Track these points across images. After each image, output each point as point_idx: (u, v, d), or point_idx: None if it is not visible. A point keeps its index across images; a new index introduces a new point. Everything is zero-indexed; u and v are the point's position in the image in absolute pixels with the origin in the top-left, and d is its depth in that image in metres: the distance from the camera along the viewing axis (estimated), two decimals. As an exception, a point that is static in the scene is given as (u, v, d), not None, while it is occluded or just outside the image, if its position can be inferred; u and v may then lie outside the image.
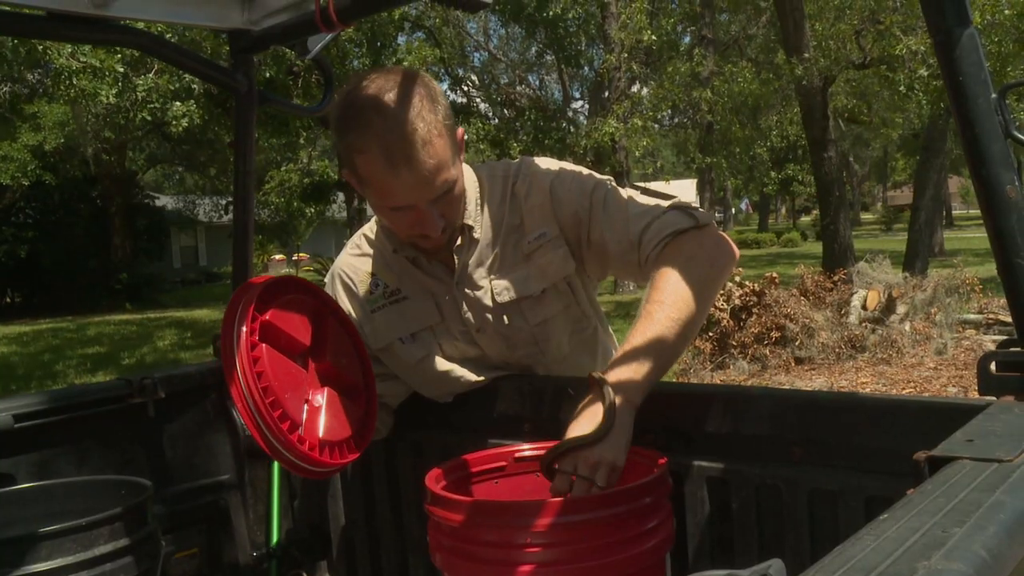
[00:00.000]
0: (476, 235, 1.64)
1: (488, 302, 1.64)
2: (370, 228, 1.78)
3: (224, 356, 1.44)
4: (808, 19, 13.18)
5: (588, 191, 1.59)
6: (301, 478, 2.09)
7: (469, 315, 1.66)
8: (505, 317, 1.65)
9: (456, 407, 1.77)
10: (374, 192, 1.49)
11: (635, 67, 15.91)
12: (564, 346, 1.70)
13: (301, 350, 1.53)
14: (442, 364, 1.70)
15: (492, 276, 1.64)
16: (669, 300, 1.38)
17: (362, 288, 1.74)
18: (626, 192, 1.60)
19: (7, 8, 1.68)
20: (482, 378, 1.71)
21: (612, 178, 1.65)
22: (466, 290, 1.65)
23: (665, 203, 1.54)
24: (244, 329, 1.43)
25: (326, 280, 1.83)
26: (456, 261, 1.64)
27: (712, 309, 8.36)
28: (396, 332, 1.70)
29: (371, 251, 1.75)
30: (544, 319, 1.65)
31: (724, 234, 1.52)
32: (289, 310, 1.52)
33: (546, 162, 1.68)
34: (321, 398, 1.52)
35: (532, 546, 1.18)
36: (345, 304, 1.73)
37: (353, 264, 1.77)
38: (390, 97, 1.43)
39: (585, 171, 1.65)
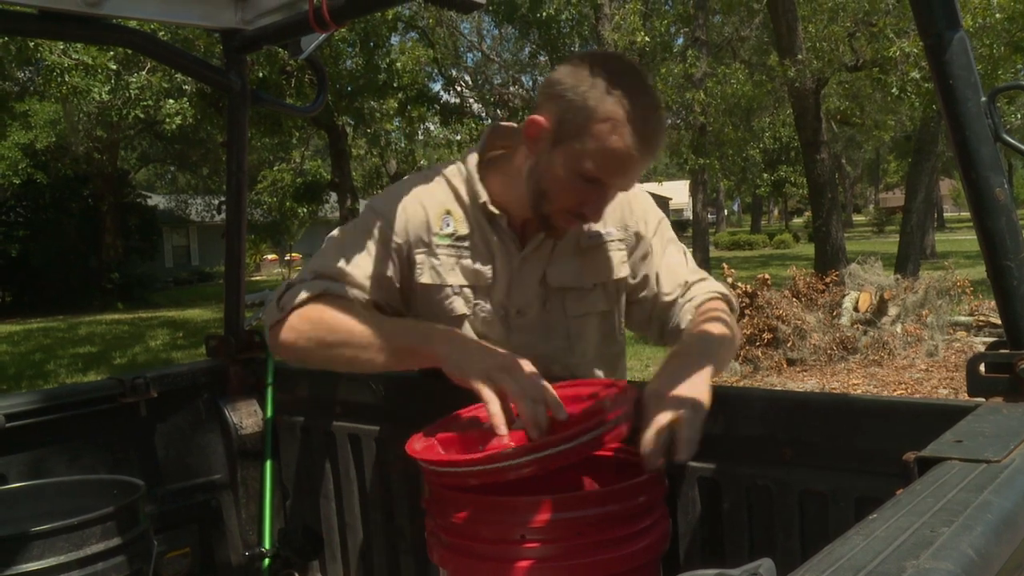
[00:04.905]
0: None
1: (537, 284, 1.63)
2: (459, 170, 1.68)
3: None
4: (801, 21, 13.20)
5: (656, 222, 1.70)
6: (294, 478, 2.09)
7: (517, 292, 1.63)
8: (547, 303, 1.64)
9: (450, 407, 1.77)
10: (582, 155, 1.43)
11: (628, 68, 15.89)
12: (590, 351, 1.69)
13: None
14: (467, 332, 1.63)
15: (548, 261, 1.64)
16: (716, 334, 1.50)
17: (435, 219, 1.65)
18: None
19: None
20: None
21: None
22: (525, 266, 1.63)
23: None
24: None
25: (379, 206, 1.68)
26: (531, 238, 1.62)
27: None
28: (451, 278, 1.63)
29: (455, 190, 1.67)
30: (583, 314, 1.65)
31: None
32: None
33: None
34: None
35: (527, 542, 1.18)
36: (409, 226, 1.63)
37: (432, 192, 1.67)
38: (644, 80, 1.47)
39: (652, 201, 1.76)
